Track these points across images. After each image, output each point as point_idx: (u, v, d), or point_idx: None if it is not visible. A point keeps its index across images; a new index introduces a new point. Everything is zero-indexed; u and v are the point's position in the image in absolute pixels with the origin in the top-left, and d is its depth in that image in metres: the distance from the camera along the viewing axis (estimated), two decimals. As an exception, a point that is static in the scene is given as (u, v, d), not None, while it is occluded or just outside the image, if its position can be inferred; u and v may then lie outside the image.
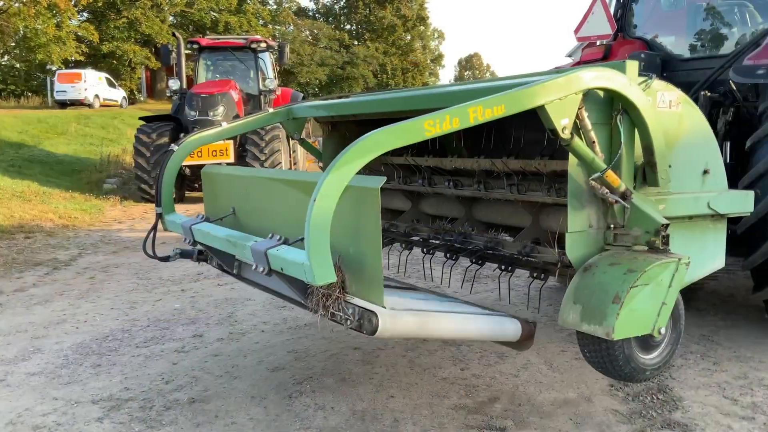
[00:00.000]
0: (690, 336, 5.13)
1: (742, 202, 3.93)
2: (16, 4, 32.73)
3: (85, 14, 41.82)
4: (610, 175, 3.24)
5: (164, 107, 29.92)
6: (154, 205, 4.51)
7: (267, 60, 16.47)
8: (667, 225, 3.23)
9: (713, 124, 5.26)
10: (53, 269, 7.63)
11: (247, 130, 5.15)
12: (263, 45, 16.04)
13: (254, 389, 4.11)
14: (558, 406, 3.90)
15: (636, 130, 3.37)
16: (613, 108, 3.33)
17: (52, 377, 4.33)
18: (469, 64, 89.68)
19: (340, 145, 5.04)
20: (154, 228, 4.36)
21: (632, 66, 3.35)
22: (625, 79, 3.21)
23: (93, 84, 32.30)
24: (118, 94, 34.87)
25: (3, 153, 17.44)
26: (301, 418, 3.73)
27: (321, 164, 5.28)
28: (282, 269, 3.09)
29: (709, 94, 5.24)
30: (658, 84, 3.53)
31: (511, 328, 3.33)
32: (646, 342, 3.20)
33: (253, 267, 3.31)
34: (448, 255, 4.47)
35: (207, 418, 3.73)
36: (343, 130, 5.09)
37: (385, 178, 2.99)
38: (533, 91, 2.98)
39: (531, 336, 3.41)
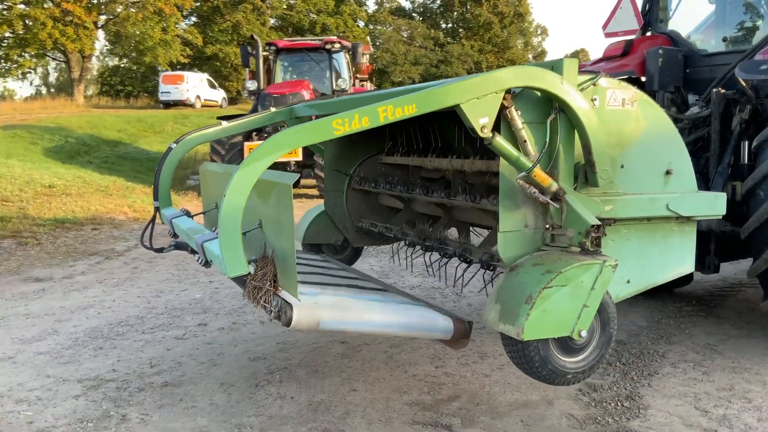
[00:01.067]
0: (694, 344, 4.92)
1: (711, 205, 3.74)
2: (132, 9, 34.96)
3: (193, 18, 44.08)
4: (539, 175, 3.20)
5: (259, 107, 31.11)
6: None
7: (342, 60, 16.80)
8: (599, 226, 3.15)
9: (728, 123, 5.01)
10: (105, 259, 8.18)
11: (248, 128, 5.36)
12: (337, 45, 16.39)
13: (228, 377, 4.31)
14: (515, 408, 3.87)
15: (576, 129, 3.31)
16: (552, 107, 3.29)
17: (55, 357, 4.70)
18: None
19: (341, 142, 5.19)
20: (152, 221, 4.63)
21: (570, 64, 3.28)
22: (555, 78, 3.15)
23: (195, 85, 33.89)
24: (219, 95, 36.39)
25: (99, 150, 18.71)
26: (258, 405, 3.88)
27: (322, 161, 5.41)
28: (211, 261, 3.29)
29: (723, 91, 4.99)
30: (607, 82, 3.44)
31: (442, 326, 3.34)
32: (567, 345, 3.13)
33: (196, 258, 3.52)
34: (440, 254, 4.54)
35: (171, 401, 3.96)
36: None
37: (297, 176, 3.11)
38: (445, 90, 3.00)
39: (466, 335, 3.41)
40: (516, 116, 3.22)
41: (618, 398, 3.98)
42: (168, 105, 32.99)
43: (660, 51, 5.58)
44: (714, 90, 5.01)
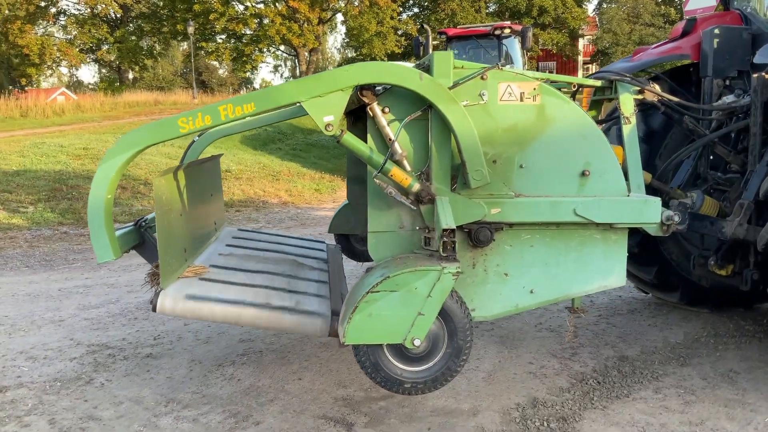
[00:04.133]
0: (711, 369, 4.31)
1: (637, 211, 3.28)
2: (350, 4, 37.13)
3: (415, 9, 45.44)
4: (396, 174, 3.09)
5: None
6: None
7: (514, 45, 16.39)
8: (451, 230, 2.95)
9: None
10: (221, 239, 9.02)
11: (271, 122, 5.61)
12: (507, 31, 16.01)
13: (205, 355, 4.64)
14: (435, 414, 3.72)
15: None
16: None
17: (94, 323, 5.39)
18: None
19: (363, 135, 5.26)
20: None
21: (440, 58, 3.11)
22: (410, 74, 3.03)
23: (404, 74, 34.99)
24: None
25: (292, 138, 20.23)
26: (202, 384, 4.15)
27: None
28: None
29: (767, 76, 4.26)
30: (501, 75, 3.21)
31: (315, 325, 3.35)
32: (403, 353, 2.98)
33: None
34: None
35: (140, 371, 4.38)
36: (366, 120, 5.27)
37: (167, 173, 3.35)
38: (283, 89, 3.04)
39: (345, 333, 3.38)
40: (379, 113, 3.14)
41: (550, 418, 3.65)
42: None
43: (716, 31, 4.85)
44: (756, 75, 4.28)
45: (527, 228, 3.27)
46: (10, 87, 39.33)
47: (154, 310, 3.31)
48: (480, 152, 3.08)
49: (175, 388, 4.11)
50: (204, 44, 37.98)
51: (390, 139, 3.13)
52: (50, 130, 19.43)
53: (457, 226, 3.22)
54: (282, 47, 41.65)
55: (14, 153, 13.93)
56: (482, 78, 3.16)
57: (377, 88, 3.22)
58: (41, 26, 43.33)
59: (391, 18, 38.09)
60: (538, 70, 43.44)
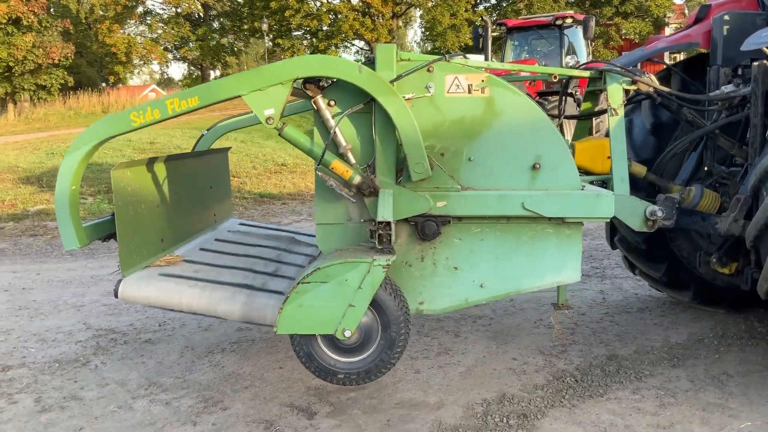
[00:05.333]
0: (705, 371, 4.14)
1: (589, 206, 3.18)
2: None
3: (492, 0, 44.83)
4: (337, 167, 3.12)
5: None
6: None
7: (577, 35, 15.95)
8: (387, 223, 2.96)
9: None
10: (259, 230, 9.24)
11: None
12: (569, 21, 15.61)
13: (201, 341, 4.80)
14: (399, 407, 3.73)
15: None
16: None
17: (110, 308, 5.65)
18: None
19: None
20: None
21: (383, 51, 3.12)
22: (348, 66, 3.04)
23: (477, 66, 34.66)
24: (500, 75, 36.72)
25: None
26: (188, 369, 4.30)
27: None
28: None
29: (769, 64, 4.04)
30: (449, 66, 3.18)
31: (264, 320, 3.40)
32: (336, 344, 3.01)
33: None
34: None
35: (134, 355, 4.58)
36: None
37: (132, 165, 3.50)
38: (224, 83, 3.11)
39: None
40: (323, 106, 3.18)
41: (512, 414, 3.59)
42: (451, 87, 34.25)
43: (726, 17, 4.61)
44: (756, 63, 4.06)
45: (477, 221, 3.23)
46: (103, 84, 41.36)
47: (115, 296, 3.47)
48: (421, 145, 3.06)
49: (161, 373, 4.28)
50: (280, 41, 38.75)
51: (334, 132, 3.16)
52: (126, 125, 20.34)
53: (405, 219, 3.24)
54: (358, 42, 42.00)
55: (85, 147, 14.68)
56: (429, 70, 3.14)
57: (322, 81, 3.25)
58: (130, 26, 45.40)
59: (465, 10, 37.71)
60: (619, 60, 42.14)
